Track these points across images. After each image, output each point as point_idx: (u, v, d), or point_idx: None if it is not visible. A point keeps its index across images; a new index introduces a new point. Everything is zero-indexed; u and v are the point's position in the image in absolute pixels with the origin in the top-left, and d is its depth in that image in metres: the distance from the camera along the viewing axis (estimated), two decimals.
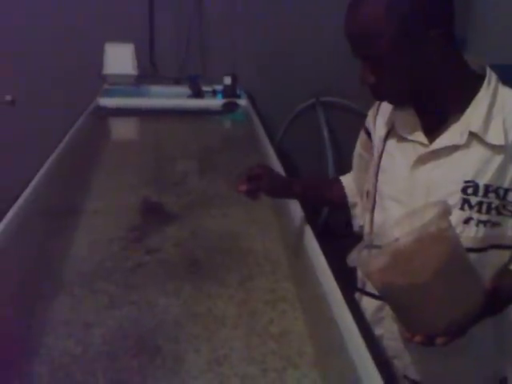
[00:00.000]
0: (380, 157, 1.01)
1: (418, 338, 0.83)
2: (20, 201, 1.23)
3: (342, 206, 1.22)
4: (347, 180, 1.22)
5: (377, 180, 1.01)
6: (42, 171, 1.43)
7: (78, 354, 0.95)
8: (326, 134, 2.96)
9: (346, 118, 2.91)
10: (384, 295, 0.90)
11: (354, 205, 1.20)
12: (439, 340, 0.82)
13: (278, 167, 1.62)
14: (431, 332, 0.83)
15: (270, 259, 1.30)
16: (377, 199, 1.01)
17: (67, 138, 1.82)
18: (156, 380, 0.90)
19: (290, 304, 1.12)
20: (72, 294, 1.13)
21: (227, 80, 2.56)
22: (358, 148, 1.14)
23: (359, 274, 1.09)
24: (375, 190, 1.02)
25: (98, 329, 1.02)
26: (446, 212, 0.82)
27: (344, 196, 1.21)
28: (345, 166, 1.24)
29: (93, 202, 1.59)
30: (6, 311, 1.03)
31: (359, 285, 1.09)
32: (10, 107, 2.85)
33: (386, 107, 1.01)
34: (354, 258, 0.87)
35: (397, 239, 0.78)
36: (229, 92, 2.57)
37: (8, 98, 2.83)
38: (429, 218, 0.81)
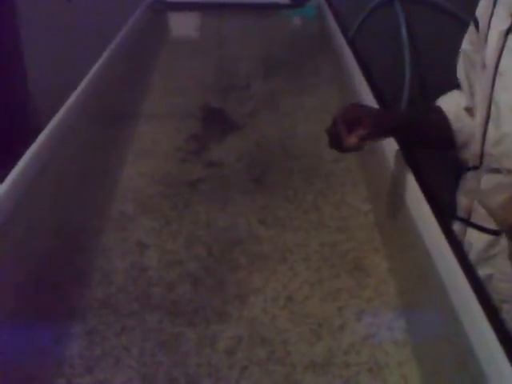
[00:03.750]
0: (498, 58, 0.79)
1: None
2: (68, 103, 1.10)
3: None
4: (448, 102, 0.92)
5: (493, 86, 0.80)
6: (92, 71, 1.28)
7: (133, 276, 0.87)
8: (404, 33, 2.61)
9: (429, 18, 2.54)
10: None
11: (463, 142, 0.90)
12: None
13: (355, 69, 1.38)
14: None
15: (344, 175, 1.14)
16: (492, 110, 0.81)
17: (121, 33, 1.66)
18: (216, 307, 0.80)
19: (368, 232, 0.98)
20: (126, 211, 1.04)
21: None
22: (464, 45, 0.90)
23: (462, 200, 0.90)
24: (490, 100, 0.81)
25: (152, 249, 0.93)
26: None
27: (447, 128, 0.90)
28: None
29: (147, 108, 1.46)
30: (59, 224, 0.95)
31: (462, 214, 0.91)
32: (67, 2, 2.73)
33: None
34: (472, 190, 0.70)
35: None
36: None
37: None
38: None
